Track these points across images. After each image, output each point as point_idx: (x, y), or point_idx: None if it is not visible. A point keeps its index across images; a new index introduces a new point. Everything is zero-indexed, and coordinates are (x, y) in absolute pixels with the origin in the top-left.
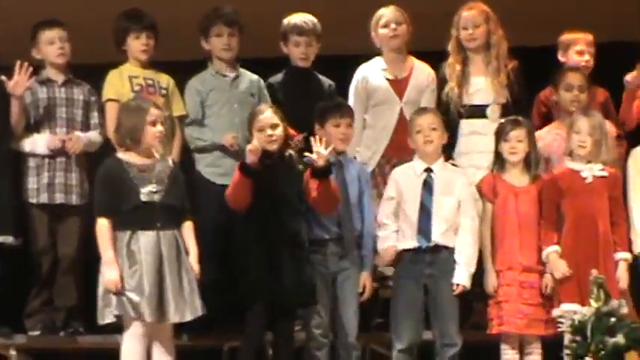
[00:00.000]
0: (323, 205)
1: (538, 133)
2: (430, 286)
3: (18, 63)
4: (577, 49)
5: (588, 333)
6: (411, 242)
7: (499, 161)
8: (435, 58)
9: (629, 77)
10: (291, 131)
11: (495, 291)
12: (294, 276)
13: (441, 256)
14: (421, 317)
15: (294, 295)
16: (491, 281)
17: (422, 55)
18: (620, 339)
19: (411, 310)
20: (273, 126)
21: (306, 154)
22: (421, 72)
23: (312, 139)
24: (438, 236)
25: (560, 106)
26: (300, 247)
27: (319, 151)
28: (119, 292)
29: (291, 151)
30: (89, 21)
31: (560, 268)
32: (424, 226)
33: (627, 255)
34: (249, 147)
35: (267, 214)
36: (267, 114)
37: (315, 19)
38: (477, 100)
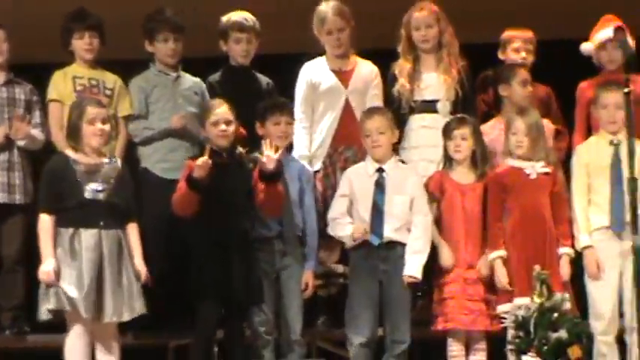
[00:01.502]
0: (268, 208)
1: (483, 128)
2: (384, 281)
3: None
4: (514, 47)
5: (531, 328)
6: (364, 234)
7: (446, 159)
8: (381, 55)
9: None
10: (242, 131)
11: (440, 287)
12: (243, 275)
13: (395, 253)
14: (377, 312)
15: (245, 294)
16: (445, 257)
17: (369, 54)
18: (562, 334)
19: (369, 305)
20: (228, 122)
21: (257, 154)
22: (365, 66)
23: (263, 142)
24: (390, 233)
25: (513, 101)
26: (248, 246)
27: (269, 155)
28: (54, 285)
29: (241, 149)
30: (37, 20)
31: (502, 278)
32: (377, 225)
33: (570, 250)
34: (197, 162)
35: (216, 213)
36: (224, 109)
37: (254, 17)
38: (428, 96)
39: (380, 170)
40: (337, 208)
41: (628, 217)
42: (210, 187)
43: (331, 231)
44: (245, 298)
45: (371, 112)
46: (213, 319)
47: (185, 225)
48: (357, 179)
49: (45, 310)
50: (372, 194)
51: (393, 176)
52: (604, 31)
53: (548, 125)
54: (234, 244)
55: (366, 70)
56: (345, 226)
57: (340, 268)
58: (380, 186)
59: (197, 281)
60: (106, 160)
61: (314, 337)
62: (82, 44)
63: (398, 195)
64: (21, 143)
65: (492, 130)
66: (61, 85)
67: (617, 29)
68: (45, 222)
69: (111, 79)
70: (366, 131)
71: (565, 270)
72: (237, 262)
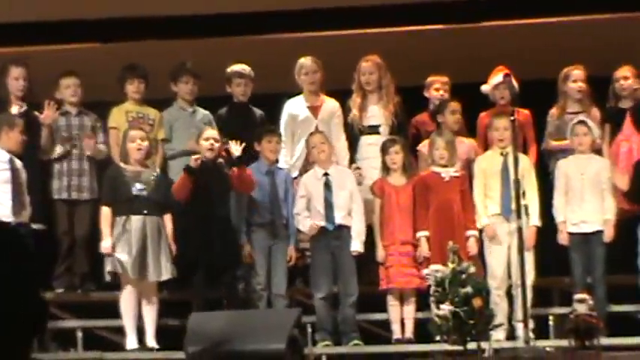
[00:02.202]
0: (242, 185)
1: (420, 147)
2: (336, 254)
3: (46, 101)
4: (435, 87)
5: (447, 286)
6: (319, 223)
7: (384, 168)
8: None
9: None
10: (231, 148)
11: (384, 259)
12: (222, 247)
13: (342, 233)
14: (332, 276)
15: (223, 258)
16: (380, 254)
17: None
18: (468, 289)
19: (326, 270)
20: (215, 140)
21: (232, 147)
22: (330, 102)
23: (230, 142)
24: (339, 219)
25: (446, 126)
26: (228, 227)
27: (235, 147)
28: (111, 255)
29: (221, 160)
30: (100, 70)
31: (424, 251)
32: (329, 214)
33: (475, 232)
34: (192, 157)
35: (201, 204)
36: (213, 131)
37: (249, 67)
38: (372, 122)
39: (326, 174)
40: (299, 206)
41: (513, 207)
42: (199, 183)
43: (296, 224)
44: (223, 261)
45: (313, 133)
46: (201, 281)
47: (180, 213)
48: (310, 182)
49: (106, 273)
50: (322, 192)
51: (336, 177)
52: (496, 77)
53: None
54: (215, 225)
55: (330, 104)
56: (304, 221)
57: (308, 245)
58: (327, 186)
59: (188, 256)
60: (146, 168)
61: (293, 292)
62: (132, 88)
63: (341, 191)
64: (88, 153)
65: (424, 147)
66: (117, 117)
67: (506, 75)
68: (105, 212)
69: (152, 112)
70: (312, 144)
71: (472, 246)
72: (218, 239)
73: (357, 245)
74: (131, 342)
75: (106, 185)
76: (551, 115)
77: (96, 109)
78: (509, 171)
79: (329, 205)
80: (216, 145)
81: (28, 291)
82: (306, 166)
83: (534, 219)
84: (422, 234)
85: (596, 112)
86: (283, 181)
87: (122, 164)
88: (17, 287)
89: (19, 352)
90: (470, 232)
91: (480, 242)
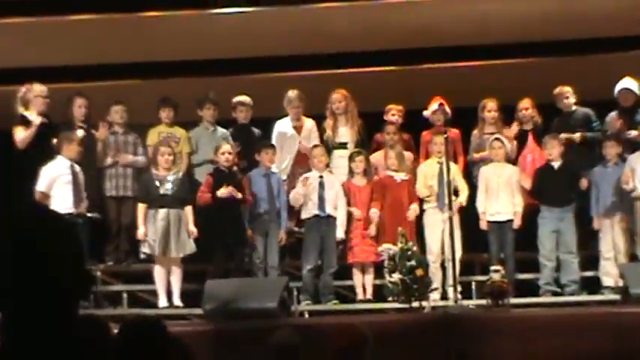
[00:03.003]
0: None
1: (376, 156)
2: (324, 236)
3: (101, 123)
4: (392, 113)
5: (397, 260)
6: (314, 212)
7: (350, 173)
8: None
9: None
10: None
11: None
12: (234, 231)
13: (330, 221)
14: (318, 252)
15: (234, 240)
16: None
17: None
18: (413, 262)
19: (315, 248)
20: (229, 153)
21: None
22: (308, 122)
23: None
24: (329, 210)
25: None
26: (238, 217)
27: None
28: (145, 240)
29: (235, 168)
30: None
31: (373, 229)
32: (321, 206)
33: (415, 205)
34: (221, 191)
35: (221, 203)
36: (228, 147)
37: (249, 98)
38: (342, 140)
39: (321, 177)
40: (295, 191)
41: (446, 201)
42: (218, 185)
43: (291, 201)
44: (234, 245)
45: (316, 146)
46: (221, 257)
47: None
48: (304, 184)
49: (141, 252)
50: (317, 190)
51: (328, 180)
52: (434, 105)
53: (408, 154)
54: (229, 216)
55: (309, 124)
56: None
57: (296, 229)
58: (322, 185)
59: (206, 237)
60: (171, 173)
61: (283, 266)
62: (164, 114)
63: (330, 190)
64: (126, 161)
65: (379, 155)
66: (153, 136)
67: (440, 104)
68: (140, 207)
69: (179, 132)
70: (314, 157)
71: (412, 214)
72: (230, 225)
73: (340, 233)
74: (162, 301)
75: (141, 187)
76: (473, 134)
77: (137, 129)
78: (443, 175)
79: (322, 200)
80: (230, 157)
81: (75, 266)
82: (294, 171)
83: (462, 199)
84: (375, 211)
85: (508, 131)
86: (276, 182)
87: (153, 170)
88: (66, 263)
89: (69, 310)
90: (412, 205)
91: (421, 227)
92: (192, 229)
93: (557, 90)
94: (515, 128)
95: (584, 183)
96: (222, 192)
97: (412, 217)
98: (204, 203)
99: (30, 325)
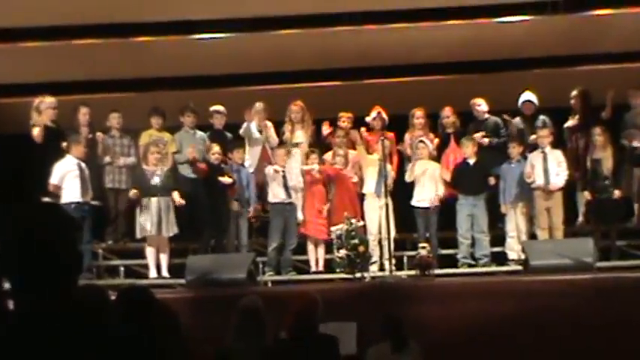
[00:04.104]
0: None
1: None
2: (287, 218)
3: (99, 134)
4: (342, 120)
5: (343, 238)
6: (279, 198)
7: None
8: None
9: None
10: (224, 157)
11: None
12: (217, 221)
13: (293, 206)
14: (282, 232)
15: (219, 225)
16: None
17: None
18: (356, 240)
19: (279, 229)
20: (218, 153)
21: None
22: (270, 127)
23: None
24: (291, 198)
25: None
26: (219, 203)
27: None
28: (141, 223)
29: (223, 164)
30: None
31: (325, 209)
32: (286, 192)
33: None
34: (225, 178)
35: (210, 191)
36: (217, 148)
37: (223, 107)
38: (298, 140)
39: (283, 170)
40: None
41: (382, 190)
42: (208, 178)
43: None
44: (217, 229)
45: (279, 146)
46: (207, 237)
47: (196, 196)
48: (272, 173)
49: (138, 232)
50: (282, 179)
51: (288, 173)
52: (374, 113)
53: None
54: (213, 202)
55: (271, 128)
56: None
57: (262, 213)
58: (285, 178)
59: (194, 220)
60: (160, 168)
61: (252, 243)
62: (154, 121)
63: (291, 181)
64: (120, 164)
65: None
66: (145, 138)
67: (379, 112)
68: (135, 194)
69: (166, 135)
70: (276, 157)
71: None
72: (212, 210)
73: (300, 215)
74: (152, 273)
75: (135, 180)
76: (406, 137)
77: (130, 133)
78: (382, 169)
79: (286, 188)
80: (220, 156)
81: (71, 247)
82: (260, 166)
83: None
84: (326, 207)
85: (432, 136)
86: (246, 175)
87: (144, 166)
88: (63, 245)
89: (68, 281)
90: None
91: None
92: (180, 200)
93: (472, 101)
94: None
95: (491, 180)
96: (225, 180)
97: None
98: (201, 171)
99: (37, 294)
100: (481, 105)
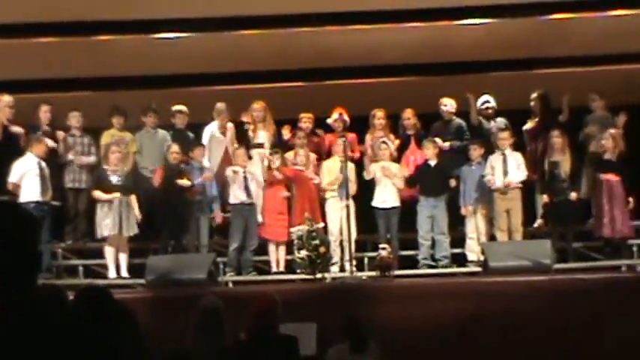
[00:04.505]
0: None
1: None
2: (248, 219)
3: (60, 132)
4: (303, 120)
5: (304, 239)
6: (239, 200)
7: (268, 167)
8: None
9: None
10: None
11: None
12: (176, 221)
13: (252, 207)
14: (242, 234)
15: (174, 223)
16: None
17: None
18: (317, 241)
19: (240, 230)
20: (178, 152)
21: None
22: (231, 127)
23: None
24: (252, 197)
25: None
26: (180, 204)
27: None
28: (101, 223)
29: (183, 164)
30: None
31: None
32: (247, 193)
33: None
34: (183, 181)
35: (169, 191)
36: (176, 147)
37: (185, 107)
38: (260, 140)
39: (244, 171)
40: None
41: (345, 193)
42: (168, 178)
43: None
44: (177, 227)
45: (237, 149)
46: (166, 237)
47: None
48: (232, 175)
49: (99, 232)
50: (242, 181)
51: (249, 174)
52: (335, 114)
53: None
54: (173, 203)
55: (232, 129)
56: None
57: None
58: (246, 179)
59: (153, 221)
60: (121, 167)
61: (212, 244)
62: (116, 120)
63: (252, 182)
64: (81, 162)
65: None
66: (106, 138)
67: (340, 114)
68: (97, 193)
69: (128, 136)
70: (236, 157)
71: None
72: (172, 210)
73: (260, 217)
74: (112, 273)
75: (97, 179)
76: (367, 137)
77: (92, 132)
78: (343, 171)
79: (247, 189)
80: (179, 156)
81: (30, 245)
82: (222, 166)
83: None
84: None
85: (392, 137)
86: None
87: (105, 166)
88: (22, 243)
89: (26, 281)
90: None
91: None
92: (138, 214)
93: (440, 100)
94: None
95: (453, 182)
96: (184, 183)
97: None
98: (158, 185)
99: None
100: (447, 105)
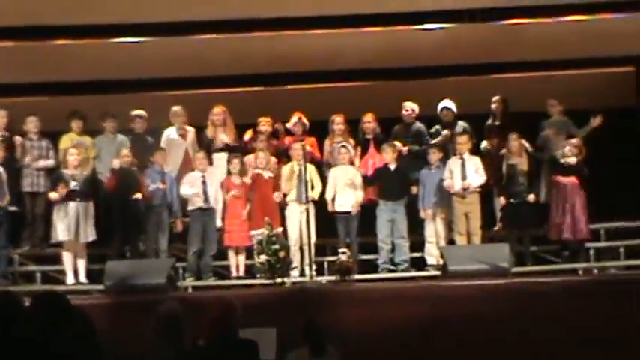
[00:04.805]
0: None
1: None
2: (206, 224)
3: (17, 137)
4: (262, 124)
5: (264, 243)
6: (198, 205)
7: (228, 172)
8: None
9: None
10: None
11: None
12: (131, 221)
13: (211, 212)
14: (201, 239)
15: (131, 227)
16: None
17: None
18: (277, 246)
19: (198, 234)
20: (128, 156)
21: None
22: (191, 131)
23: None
24: (210, 204)
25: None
26: (136, 208)
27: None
28: (58, 228)
29: (134, 168)
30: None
31: (245, 214)
32: (204, 200)
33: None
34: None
35: (122, 194)
36: (126, 151)
37: (144, 112)
38: (220, 145)
39: (203, 176)
40: (185, 187)
41: (303, 196)
42: (120, 182)
43: (183, 191)
44: (130, 232)
45: (197, 151)
46: (120, 241)
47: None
48: (191, 180)
49: (54, 236)
50: (201, 185)
51: (209, 179)
52: (294, 118)
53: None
54: (128, 207)
55: (191, 132)
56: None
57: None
58: (204, 183)
59: (109, 226)
60: (80, 172)
61: (172, 249)
62: (75, 124)
63: (211, 187)
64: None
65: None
66: (65, 142)
67: (299, 118)
68: (54, 197)
69: (88, 140)
70: (196, 160)
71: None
72: (129, 215)
73: (219, 222)
74: (70, 279)
75: (53, 182)
76: (326, 143)
77: (50, 137)
78: (302, 175)
79: (205, 195)
80: (130, 159)
81: None
82: (182, 170)
83: (315, 194)
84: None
85: (352, 142)
86: (168, 179)
87: (64, 170)
88: None
89: None
90: (275, 194)
91: (284, 216)
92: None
93: (403, 103)
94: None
95: (414, 190)
96: (137, 196)
97: (277, 200)
98: (110, 190)
99: None
100: (408, 110)
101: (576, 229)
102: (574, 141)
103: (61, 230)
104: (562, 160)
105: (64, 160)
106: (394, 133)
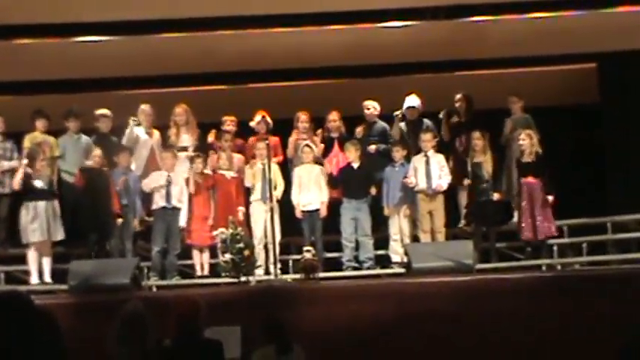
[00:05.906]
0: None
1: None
2: (170, 223)
3: None
4: (227, 123)
5: (228, 242)
6: (162, 204)
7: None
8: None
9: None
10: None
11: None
12: (101, 225)
13: (175, 211)
14: (165, 237)
15: (98, 227)
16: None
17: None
18: (241, 244)
19: (162, 233)
20: (100, 157)
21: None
22: (156, 131)
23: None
24: (174, 203)
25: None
26: (105, 208)
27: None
28: (26, 228)
29: (104, 168)
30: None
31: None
32: (168, 199)
33: (242, 208)
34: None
35: (92, 194)
36: (98, 151)
37: (109, 111)
38: (184, 144)
39: (168, 176)
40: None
41: (267, 195)
42: (89, 182)
43: (145, 187)
44: (102, 231)
45: (165, 150)
46: (93, 242)
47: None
48: (157, 178)
49: (25, 238)
50: (165, 184)
51: (173, 178)
52: (258, 117)
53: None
54: (96, 206)
55: (157, 133)
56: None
57: (147, 218)
58: (169, 182)
59: (76, 225)
60: (45, 172)
61: (136, 248)
62: (39, 124)
63: (176, 186)
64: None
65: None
66: (29, 141)
67: (263, 117)
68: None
69: (51, 139)
70: (162, 158)
71: (240, 215)
72: (97, 215)
73: (182, 221)
74: (34, 279)
75: (21, 183)
76: (290, 140)
77: (13, 137)
78: (265, 174)
79: (168, 194)
80: (100, 159)
81: None
82: (147, 170)
83: (278, 193)
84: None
85: (316, 139)
86: (133, 179)
87: (29, 170)
88: None
89: None
90: (240, 208)
91: (248, 215)
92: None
93: (364, 103)
94: (320, 135)
95: (373, 191)
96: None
97: (240, 217)
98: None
99: None
100: (370, 109)
101: (537, 229)
102: (527, 130)
103: (32, 231)
104: (523, 160)
105: (30, 161)
106: (358, 133)
